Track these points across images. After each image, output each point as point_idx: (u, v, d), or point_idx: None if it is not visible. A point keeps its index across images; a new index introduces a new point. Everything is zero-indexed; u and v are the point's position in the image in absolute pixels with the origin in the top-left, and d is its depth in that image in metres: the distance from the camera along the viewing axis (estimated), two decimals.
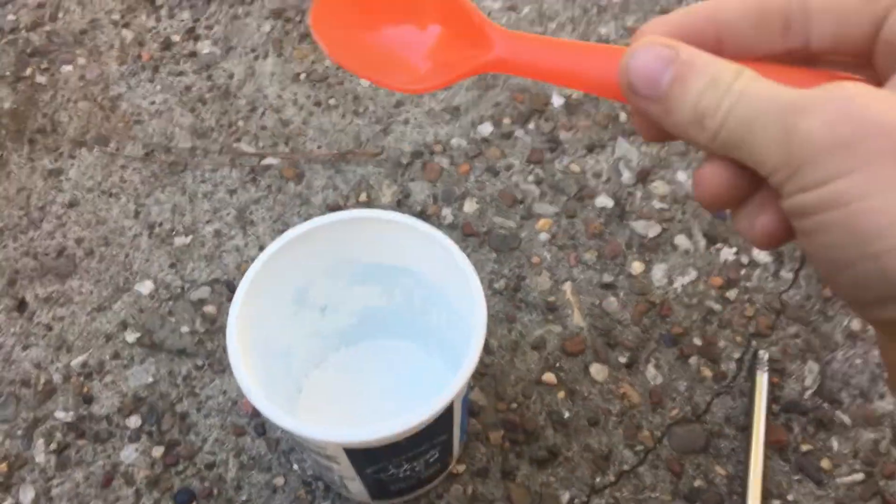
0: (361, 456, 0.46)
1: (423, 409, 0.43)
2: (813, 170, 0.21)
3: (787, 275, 0.67)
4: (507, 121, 0.78)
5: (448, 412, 0.47)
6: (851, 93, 0.21)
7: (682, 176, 0.74)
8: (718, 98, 0.23)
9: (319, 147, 0.77)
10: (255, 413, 0.62)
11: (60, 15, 0.90)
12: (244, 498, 0.58)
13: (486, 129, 0.78)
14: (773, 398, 0.61)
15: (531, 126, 0.78)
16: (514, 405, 0.62)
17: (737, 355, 0.63)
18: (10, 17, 0.90)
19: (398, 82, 0.23)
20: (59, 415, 0.63)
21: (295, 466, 0.59)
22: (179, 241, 0.72)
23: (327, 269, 0.54)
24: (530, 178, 0.74)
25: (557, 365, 0.64)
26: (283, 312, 0.54)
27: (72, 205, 0.75)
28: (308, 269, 0.53)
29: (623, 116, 0.78)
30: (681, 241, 0.70)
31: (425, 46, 0.25)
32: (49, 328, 0.67)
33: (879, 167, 0.20)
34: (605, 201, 0.72)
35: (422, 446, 0.48)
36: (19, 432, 0.62)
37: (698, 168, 0.26)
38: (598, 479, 0.58)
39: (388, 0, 0.24)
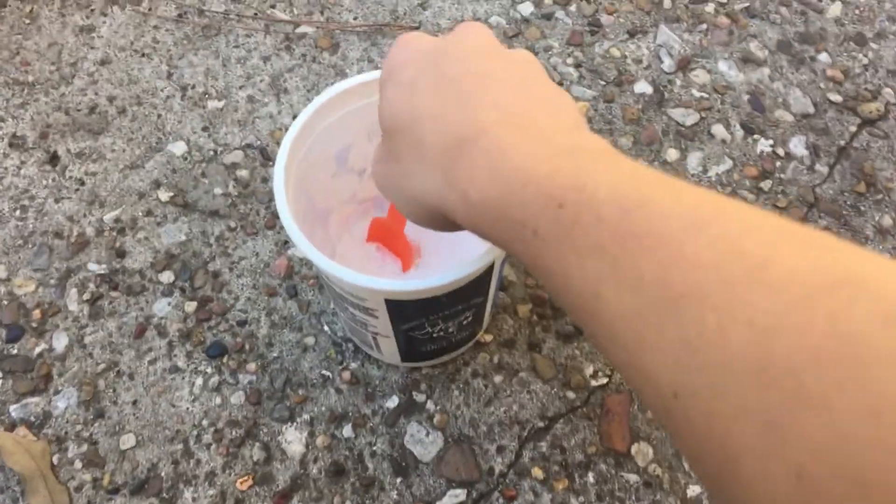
0: (401, 310, 0.47)
1: (471, 264, 0.43)
2: None
3: (822, 168, 0.67)
4: (548, 1, 0.77)
5: (489, 272, 0.47)
6: None
7: (723, 66, 0.72)
8: None
9: (356, 18, 0.76)
10: (287, 275, 0.63)
11: None
12: (275, 354, 0.60)
13: (527, 8, 0.76)
14: None
15: (572, 8, 0.76)
16: None
17: None
18: None
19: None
20: (92, 267, 0.63)
21: (326, 328, 0.61)
22: (212, 104, 0.71)
23: (368, 131, 0.54)
24: (569, 60, 0.73)
25: None
26: (325, 172, 0.54)
27: (104, 62, 0.74)
28: (349, 129, 0.53)
29: (667, 2, 0.76)
30: (718, 130, 0.69)
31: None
32: (82, 182, 0.67)
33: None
34: (644, 87, 0.71)
35: (459, 305, 0.49)
36: (52, 281, 0.63)
37: None
38: None
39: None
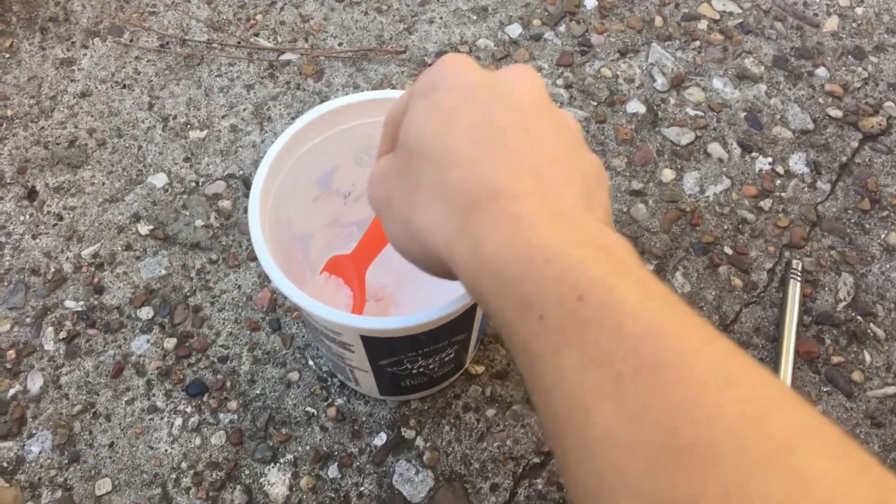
0: (379, 346, 0.45)
1: (449, 306, 0.41)
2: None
3: (823, 186, 0.65)
4: (536, 22, 0.75)
5: (471, 312, 0.45)
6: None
7: (718, 83, 0.70)
8: None
9: (340, 44, 0.74)
10: (271, 308, 0.60)
11: None
12: (258, 391, 0.57)
13: (515, 30, 0.75)
14: (804, 310, 0.59)
15: (562, 28, 0.75)
16: None
17: (769, 266, 0.61)
18: None
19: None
20: (69, 304, 0.61)
21: (310, 363, 0.58)
22: (194, 134, 0.70)
23: (354, 154, 0.52)
24: (559, 81, 0.71)
25: None
26: (307, 194, 0.52)
27: (84, 95, 0.72)
28: (335, 152, 0.51)
29: (659, 20, 0.74)
30: (714, 149, 0.67)
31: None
32: (60, 218, 0.65)
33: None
34: (636, 107, 0.69)
35: (440, 343, 0.46)
36: (28, 320, 0.61)
37: None
38: None
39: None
